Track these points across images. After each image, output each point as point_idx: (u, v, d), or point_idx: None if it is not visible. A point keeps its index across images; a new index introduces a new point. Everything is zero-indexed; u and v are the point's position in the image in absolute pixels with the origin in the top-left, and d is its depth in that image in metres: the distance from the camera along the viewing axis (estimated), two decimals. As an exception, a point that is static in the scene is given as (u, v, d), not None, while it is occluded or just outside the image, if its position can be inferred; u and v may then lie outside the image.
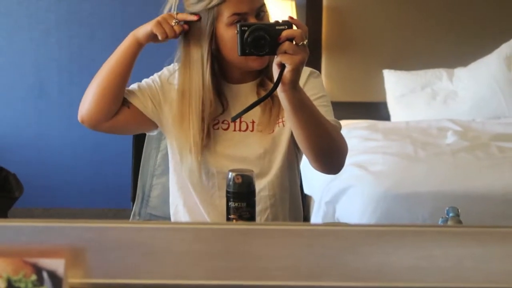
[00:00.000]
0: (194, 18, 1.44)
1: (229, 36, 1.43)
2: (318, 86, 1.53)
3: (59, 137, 3.46)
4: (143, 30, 1.45)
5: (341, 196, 2.50)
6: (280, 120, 1.52)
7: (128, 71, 1.49)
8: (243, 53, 1.30)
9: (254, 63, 1.46)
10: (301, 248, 0.89)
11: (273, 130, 1.51)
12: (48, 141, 3.48)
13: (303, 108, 1.32)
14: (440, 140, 2.92)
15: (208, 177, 1.53)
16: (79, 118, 1.52)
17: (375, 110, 3.55)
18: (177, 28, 1.43)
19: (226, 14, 1.43)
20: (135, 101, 1.52)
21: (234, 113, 1.51)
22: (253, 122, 1.52)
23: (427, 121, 3.27)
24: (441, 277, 0.89)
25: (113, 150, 3.29)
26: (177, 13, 1.44)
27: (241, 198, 1.26)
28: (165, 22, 1.43)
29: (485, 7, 3.60)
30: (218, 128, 1.52)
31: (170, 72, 1.57)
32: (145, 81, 1.57)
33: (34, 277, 0.84)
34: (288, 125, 1.50)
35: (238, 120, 1.51)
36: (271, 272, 0.89)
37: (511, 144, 2.78)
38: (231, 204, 1.26)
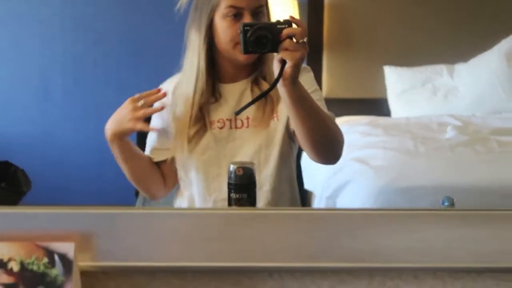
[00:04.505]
0: (158, 108, 1.49)
1: (222, 27, 1.50)
2: (311, 81, 1.57)
3: (64, 138, 3.52)
4: (122, 131, 1.49)
5: (341, 191, 2.53)
6: (275, 116, 1.56)
7: (137, 159, 1.58)
8: (247, 51, 1.33)
9: (241, 56, 1.48)
10: (300, 232, 0.94)
11: (268, 125, 1.55)
12: (53, 142, 3.53)
13: (302, 102, 1.36)
14: (440, 135, 2.94)
15: (209, 180, 1.56)
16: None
17: (376, 107, 3.57)
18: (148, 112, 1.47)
19: (223, 5, 1.49)
20: (164, 157, 1.62)
21: (228, 110, 1.56)
22: (248, 118, 1.56)
23: (427, 116, 3.29)
24: (432, 258, 0.93)
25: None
26: (139, 96, 1.47)
27: (242, 189, 1.29)
28: (137, 112, 1.46)
29: (486, 2, 3.63)
30: (214, 128, 1.56)
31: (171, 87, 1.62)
32: (154, 128, 1.61)
33: (45, 260, 0.89)
34: (282, 119, 1.55)
35: (233, 118, 1.56)
36: (271, 254, 0.93)
37: (511, 138, 2.81)
38: (233, 195, 1.30)
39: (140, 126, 1.45)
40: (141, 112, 1.44)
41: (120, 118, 1.47)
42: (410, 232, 0.94)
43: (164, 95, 1.46)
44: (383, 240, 0.94)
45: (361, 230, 0.95)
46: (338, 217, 0.96)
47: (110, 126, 1.49)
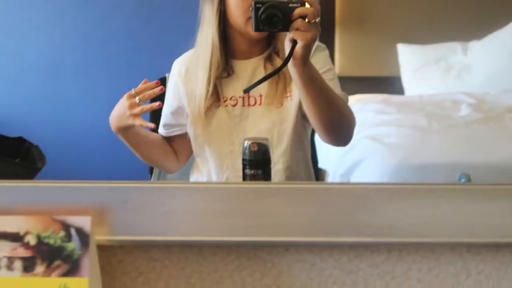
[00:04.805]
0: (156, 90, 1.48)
1: (232, 0, 1.49)
2: (325, 59, 1.55)
3: (76, 115, 3.51)
4: (123, 126, 1.51)
5: (355, 169, 2.52)
6: (288, 94, 1.54)
7: (146, 143, 1.61)
8: (257, 29, 1.31)
9: (253, 32, 1.45)
10: (315, 206, 0.93)
11: (282, 104, 1.54)
12: (66, 119, 3.53)
13: (313, 83, 1.34)
14: (454, 112, 2.93)
15: (222, 157, 1.56)
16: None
17: (389, 85, 3.55)
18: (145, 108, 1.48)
19: None
20: (176, 132, 1.64)
21: (240, 87, 1.53)
22: (260, 95, 1.55)
23: (441, 94, 3.27)
24: (451, 232, 0.92)
25: (131, 124, 3.33)
26: (135, 92, 1.47)
27: (257, 165, 1.28)
28: (134, 109, 1.47)
29: (500, -21, 3.58)
30: (226, 105, 1.56)
31: (179, 67, 1.62)
32: (166, 105, 1.62)
33: (62, 233, 0.88)
34: (296, 98, 1.53)
35: (246, 95, 1.55)
36: (286, 228, 0.92)
37: (525, 116, 2.79)
38: (247, 171, 1.29)
39: (138, 122, 1.48)
40: (138, 109, 1.46)
41: (119, 114, 1.50)
42: (428, 207, 0.93)
43: (162, 89, 1.48)
44: (400, 215, 0.93)
45: (378, 205, 0.94)
46: (354, 192, 0.95)
47: (112, 121, 1.53)
